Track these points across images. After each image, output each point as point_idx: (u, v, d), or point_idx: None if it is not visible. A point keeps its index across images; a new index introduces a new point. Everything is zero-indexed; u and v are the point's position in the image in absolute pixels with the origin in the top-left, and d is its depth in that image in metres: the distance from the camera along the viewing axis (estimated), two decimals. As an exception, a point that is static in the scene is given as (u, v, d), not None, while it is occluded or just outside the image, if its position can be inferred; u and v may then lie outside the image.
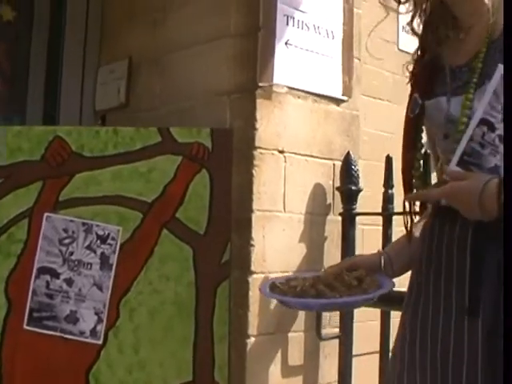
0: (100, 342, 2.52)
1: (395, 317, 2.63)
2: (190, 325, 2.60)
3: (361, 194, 2.91)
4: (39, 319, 2.51)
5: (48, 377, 2.50)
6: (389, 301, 1.90)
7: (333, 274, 1.79)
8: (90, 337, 2.52)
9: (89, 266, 2.54)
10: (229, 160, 2.65)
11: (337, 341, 2.91)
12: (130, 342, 2.55)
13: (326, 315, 2.83)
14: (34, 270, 2.53)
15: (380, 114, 3.52)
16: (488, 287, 1.50)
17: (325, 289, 1.70)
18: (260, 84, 2.71)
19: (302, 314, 2.80)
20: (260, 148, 2.70)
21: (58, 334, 2.51)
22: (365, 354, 3.12)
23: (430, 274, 1.65)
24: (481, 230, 1.52)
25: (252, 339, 2.68)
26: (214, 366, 2.61)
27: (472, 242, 1.55)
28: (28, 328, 2.51)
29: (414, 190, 1.74)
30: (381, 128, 3.49)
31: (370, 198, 2.99)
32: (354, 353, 2.93)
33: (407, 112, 1.77)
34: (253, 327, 2.68)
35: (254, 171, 2.69)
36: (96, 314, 2.53)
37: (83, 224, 2.57)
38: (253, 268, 2.67)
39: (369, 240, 3.12)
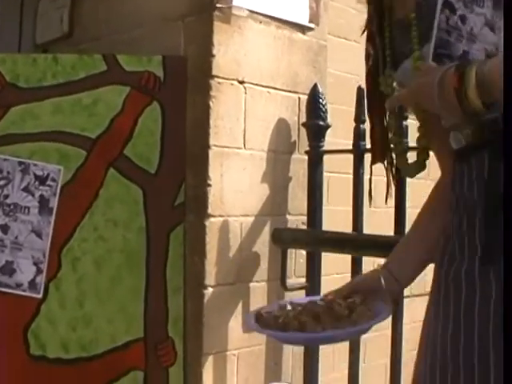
0: (39, 295, 2.35)
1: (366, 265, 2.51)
2: (140, 275, 2.45)
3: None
4: (-30, 273, 2.32)
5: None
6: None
7: (326, 302, 1.70)
8: (29, 290, 2.34)
9: (26, 211, 2.35)
10: (182, 91, 2.47)
11: (303, 293, 2.74)
12: (73, 295, 2.38)
13: (290, 263, 2.67)
14: (-35, 221, 2.34)
15: (347, 54, 3.34)
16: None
17: (308, 319, 1.62)
18: (217, 5, 2.50)
19: (264, 262, 2.65)
20: (217, 77, 2.50)
21: (-8, 287, 2.32)
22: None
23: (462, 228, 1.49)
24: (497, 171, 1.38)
25: (210, 290, 2.52)
26: (167, 321, 2.47)
27: (489, 176, 1.42)
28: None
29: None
30: (347, 69, 3.33)
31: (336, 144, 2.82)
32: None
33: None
34: (210, 277, 2.52)
35: (210, 103, 2.49)
36: (35, 264, 2.34)
37: (19, 163, 2.37)
38: (210, 211, 2.50)
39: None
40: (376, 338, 2.69)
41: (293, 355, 2.78)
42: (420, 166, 1.68)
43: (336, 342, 1.69)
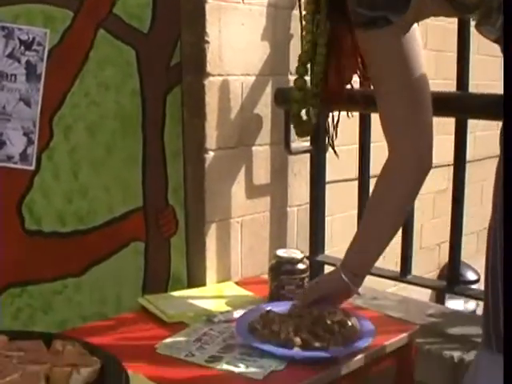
0: (32, 167, 2.23)
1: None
2: (136, 141, 2.37)
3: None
4: (-42, 144, 2.20)
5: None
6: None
7: (312, 316, 1.91)
8: (20, 162, 2.22)
9: (13, 78, 2.21)
10: None
11: (307, 158, 2.68)
12: (67, 165, 2.28)
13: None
14: (-52, 88, 2.20)
15: None
16: None
17: (309, 337, 1.82)
18: None
19: (267, 125, 2.55)
20: None
21: (-19, 160, 2.21)
22: (340, 181, 2.99)
23: None
24: None
25: (211, 154, 2.42)
26: (167, 188, 2.43)
27: None
28: None
29: None
30: None
31: None
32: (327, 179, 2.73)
33: None
34: (211, 140, 2.41)
35: (204, -48, 2.35)
36: (25, 134, 2.22)
37: (2, 28, 2.20)
38: (208, 70, 2.37)
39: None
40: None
41: (298, 223, 2.72)
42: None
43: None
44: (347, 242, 2.71)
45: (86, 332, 1.91)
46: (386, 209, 1.89)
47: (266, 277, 2.33)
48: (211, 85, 2.38)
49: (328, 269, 2.68)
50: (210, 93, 2.38)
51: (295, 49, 2.58)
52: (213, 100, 2.39)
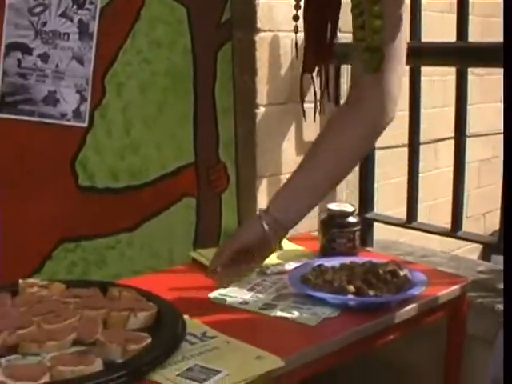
0: (85, 124, 2.23)
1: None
2: (187, 98, 2.36)
3: None
4: (13, 104, 2.18)
5: (28, 170, 2.18)
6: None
7: (364, 267, 1.95)
8: (73, 119, 2.22)
9: (65, 37, 2.21)
10: None
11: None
12: (119, 122, 2.28)
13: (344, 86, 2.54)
14: (3, 48, 2.19)
15: None
16: None
17: (363, 285, 1.84)
18: None
19: (317, 81, 2.48)
20: None
21: (36, 118, 2.19)
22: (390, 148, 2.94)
23: None
24: None
25: (261, 109, 2.41)
26: (218, 144, 2.42)
27: None
28: (1, 116, 2.18)
29: None
30: None
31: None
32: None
33: None
34: (262, 96, 2.40)
35: None
36: (78, 92, 2.22)
37: (55, -13, 2.21)
38: (259, 25, 2.35)
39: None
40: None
41: (347, 181, 2.68)
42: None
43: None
44: (393, 208, 2.70)
45: (139, 283, 1.91)
46: (343, 153, 1.80)
47: (315, 234, 2.32)
48: (262, 41, 2.36)
49: (377, 226, 2.67)
50: (261, 49, 2.36)
51: (346, 4, 2.56)
52: (263, 56, 2.37)
